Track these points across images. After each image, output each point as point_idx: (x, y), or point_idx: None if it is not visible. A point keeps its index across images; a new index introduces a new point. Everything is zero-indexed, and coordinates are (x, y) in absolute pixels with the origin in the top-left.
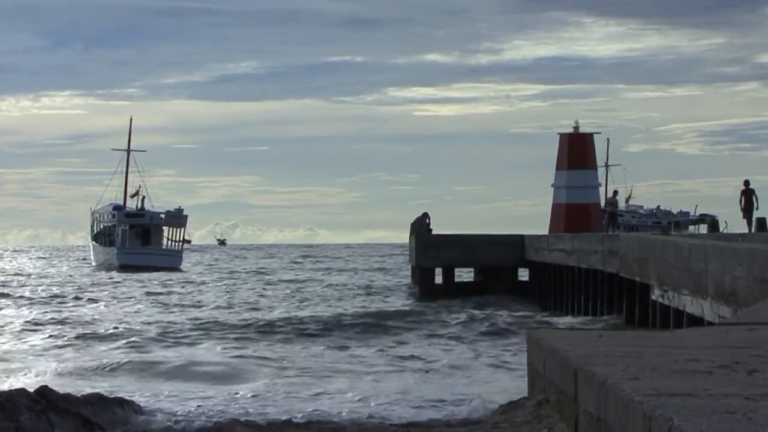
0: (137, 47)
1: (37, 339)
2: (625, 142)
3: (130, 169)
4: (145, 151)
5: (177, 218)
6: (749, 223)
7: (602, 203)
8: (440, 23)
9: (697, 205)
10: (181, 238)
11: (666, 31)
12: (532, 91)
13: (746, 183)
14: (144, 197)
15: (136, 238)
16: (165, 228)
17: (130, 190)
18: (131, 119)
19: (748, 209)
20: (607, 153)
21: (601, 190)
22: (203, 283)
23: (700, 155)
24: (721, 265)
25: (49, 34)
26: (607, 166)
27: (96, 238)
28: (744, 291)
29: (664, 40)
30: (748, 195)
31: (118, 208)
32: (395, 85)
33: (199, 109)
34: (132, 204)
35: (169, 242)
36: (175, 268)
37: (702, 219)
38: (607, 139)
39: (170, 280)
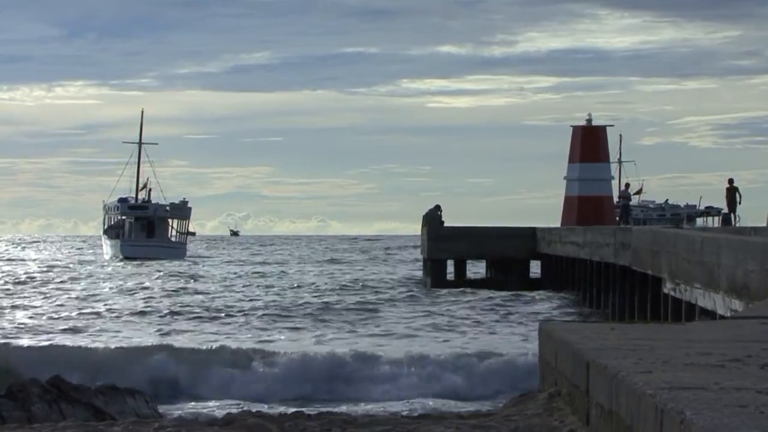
0: (151, 37)
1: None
2: (638, 135)
3: (141, 160)
4: (156, 143)
5: (181, 210)
6: (733, 218)
7: (615, 196)
8: (454, 14)
9: (701, 197)
10: (185, 230)
11: (681, 24)
12: (545, 84)
13: (730, 181)
14: (150, 189)
15: (141, 231)
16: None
17: (142, 182)
18: (143, 112)
19: (731, 205)
20: (620, 148)
21: (614, 183)
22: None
23: (713, 148)
24: (733, 258)
25: (64, 23)
26: (620, 161)
27: (107, 231)
28: (756, 284)
29: (679, 32)
30: (731, 192)
31: (122, 201)
32: (409, 77)
33: (213, 99)
34: (142, 196)
35: (174, 233)
36: (179, 259)
37: (707, 212)
38: (620, 135)
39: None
